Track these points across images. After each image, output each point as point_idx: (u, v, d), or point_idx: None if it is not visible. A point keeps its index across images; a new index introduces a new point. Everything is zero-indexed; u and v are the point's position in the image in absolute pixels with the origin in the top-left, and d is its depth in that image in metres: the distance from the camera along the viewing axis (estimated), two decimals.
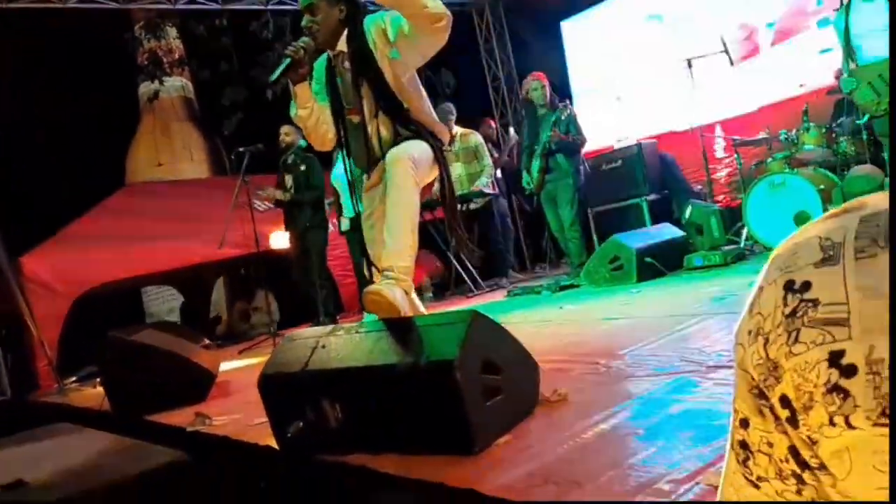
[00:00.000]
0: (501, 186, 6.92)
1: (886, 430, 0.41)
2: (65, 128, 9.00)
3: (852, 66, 3.94)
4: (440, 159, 2.76)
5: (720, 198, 5.84)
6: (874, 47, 3.81)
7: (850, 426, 0.43)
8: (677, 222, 5.90)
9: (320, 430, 2.04)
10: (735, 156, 5.65)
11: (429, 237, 7.64)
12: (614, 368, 2.54)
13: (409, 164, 2.55)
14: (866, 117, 4.00)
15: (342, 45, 2.66)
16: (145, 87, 10.09)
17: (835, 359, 0.43)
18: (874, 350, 0.41)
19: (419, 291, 7.21)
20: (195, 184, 9.32)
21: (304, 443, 2.06)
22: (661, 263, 4.95)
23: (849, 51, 3.89)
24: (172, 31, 10.05)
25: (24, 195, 8.04)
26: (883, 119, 3.83)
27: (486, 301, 5.88)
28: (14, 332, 5.95)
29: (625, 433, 1.88)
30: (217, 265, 7.90)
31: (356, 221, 5.38)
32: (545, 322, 3.99)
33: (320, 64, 2.79)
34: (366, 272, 2.86)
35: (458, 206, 6.60)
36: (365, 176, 2.89)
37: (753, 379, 0.49)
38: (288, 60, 2.53)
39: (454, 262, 6.90)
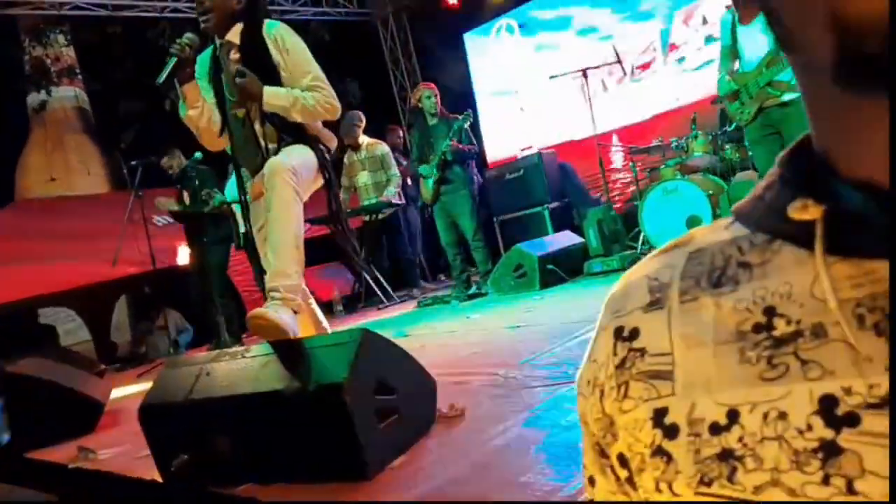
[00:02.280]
0: (410, 195, 6.92)
1: (709, 499, 0.37)
2: None
3: (734, 66, 4.14)
4: (325, 165, 2.68)
5: (617, 205, 6.04)
6: (750, 54, 4.02)
7: (673, 493, 0.39)
8: (577, 229, 6.08)
9: (207, 462, 1.97)
10: (630, 164, 5.87)
11: (338, 249, 7.55)
12: (512, 379, 2.58)
13: (289, 175, 2.45)
14: (733, 125, 4.23)
15: (233, 35, 2.58)
16: (33, 98, 9.52)
17: (658, 417, 0.40)
18: (695, 408, 0.38)
19: (329, 306, 7.13)
20: (92, 200, 8.86)
21: (191, 475, 1.98)
22: (562, 270, 5.09)
23: (732, 51, 4.09)
24: (61, 38, 9.53)
25: None
26: (751, 127, 4.05)
27: (396, 313, 5.86)
28: None
29: (519, 448, 1.90)
30: (117, 284, 7.54)
31: (248, 235, 5.28)
32: (451, 332, 4.01)
33: (204, 56, 2.67)
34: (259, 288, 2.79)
35: (369, 216, 6.63)
36: (249, 183, 2.79)
37: (594, 434, 0.45)
38: (174, 59, 2.43)
39: (365, 274, 6.85)
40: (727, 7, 4.21)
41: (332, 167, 2.77)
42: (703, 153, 5.34)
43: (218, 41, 2.60)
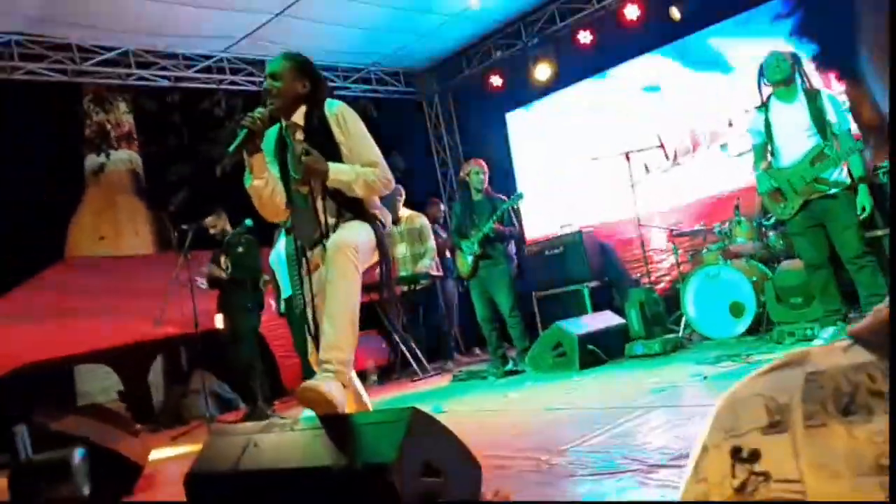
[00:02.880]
0: (448, 267, 6.97)
1: None
2: (5, 198, 8.77)
3: (763, 165, 4.17)
4: (382, 242, 2.75)
5: (658, 286, 6.00)
6: (789, 151, 4.05)
7: None
8: (617, 310, 6.03)
9: None
10: (672, 246, 5.86)
11: (375, 319, 7.61)
12: (557, 466, 2.53)
13: (351, 251, 2.53)
14: (773, 219, 4.23)
15: (298, 117, 2.70)
16: (91, 160, 9.95)
17: None
18: None
19: (363, 376, 7.12)
20: (138, 259, 9.10)
21: None
22: (602, 351, 5.04)
23: (766, 148, 4.13)
24: (122, 106, 10.02)
25: None
26: (794, 220, 4.05)
27: (431, 386, 5.83)
28: None
29: None
30: (156, 344, 7.66)
31: (290, 302, 5.36)
32: (489, 411, 3.97)
33: (271, 133, 2.78)
34: (310, 357, 2.83)
35: (406, 287, 6.69)
36: (309, 254, 2.83)
37: None
38: (245, 131, 2.53)
39: (400, 344, 6.85)
40: (756, 107, 4.27)
41: (385, 242, 2.84)
42: (746, 239, 5.33)
43: (284, 122, 2.73)
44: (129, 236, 9.88)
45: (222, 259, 5.80)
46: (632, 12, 6.98)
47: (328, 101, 2.75)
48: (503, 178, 7.37)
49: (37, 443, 3.59)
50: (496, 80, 8.32)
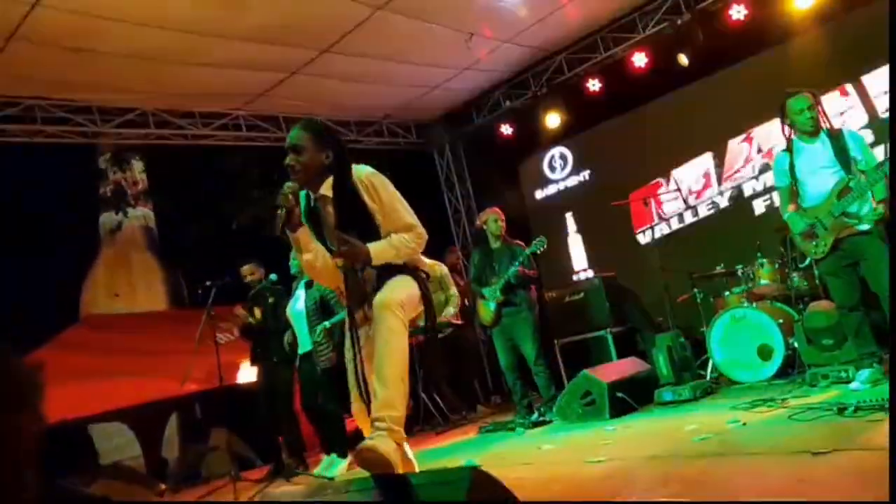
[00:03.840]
0: (469, 315, 6.95)
1: None
2: (20, 259, 8.84)
3: (791, 207, 4.17)
4: (426, 293, 2.78)
5: (682, 331, 5.95)
6: (816, 190, 4.06)
7: None
8: (642, 355, 6.00)
9: None
10: (695, 290, 5.85)
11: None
12: None
13: (398, 310, 2.56)
14: (808, 259, 4.21)
15: (325, 188, 2.72)
16: (107, 218, 10.05)
17: None
18: None
19: None
20: (153, 316, 9.10)
21: None
22: (631, 398, 4.98)
23: (793, 190, 4.14)
24: (139, 164, 10.17)
25: None
26: (827, 260, 4.04)
27: (457, 438, 5.75)
28: None
29: None
30: (171, 402, 7.60)
31: (307, 357, 5.32)
32: (526, 465, 3.91)
33: (300, 201, 2.81)
34: (354, 408, 2.82)
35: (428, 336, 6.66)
36: (356, 311, 2.84)
37: None
38: (284, 211, 2.57)
39: (422, 394, 6.79)
40: (782, 150, 4.29)
41: (430, 292, 2.85)
42: (769, 281, 5.33)
43: (312, 195, 2.77)
44: (143, 292, 9.91)
45: (254, 310, 5.80)
46: (639, 60, 7.12)
47: (355, 167, 2.77)
48: (517, 225, 7.40)
49: None
50: (506, 130, 8.44)
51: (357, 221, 2.67)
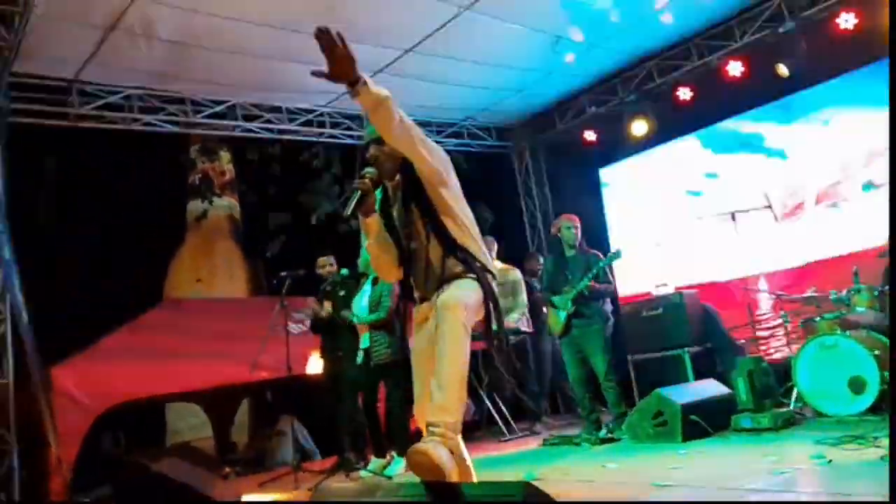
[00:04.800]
0: (543, 324, 6.77)
1: None
2: (109, 241, 9.27)
3: None
4: (491, 297, 2.67)
5: (766, 355, 5.64)
6: None
7: None
8: (721, 377, 5.70)
9: None
10: (781, 313, 5.52)
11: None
12: None
13: (461, 311, 2.47)
14: None
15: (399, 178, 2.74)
16: (194, 206, 10.44)
17: None
18: None
19: None
20: (232, 303, 9.36)
21: None
22: (706, 422, 4.73)
23: None
24: (226, 156, 10.52)
25: (63, 305, 8.14)
26: None
27: (519, 448, 5.63)
28: (32, 446, 5.80)
29: None
30: (244, 387, 7.79)
31: (368, 352, 5.32)
32: (587, 482, 3.76)
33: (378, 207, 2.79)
34: (416, 410, 2.76)
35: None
36: (415, 309, 2.81)
37: None
38: (358, 193, 2.58)
39: (486, 401, 6.69)
40: None
41: (495, 294, 2.76)
42: (866, 308, 4.96)
43: (389, 184, 2.77)
44: (224, 280, 10.21)
45: (326, 304, 5.87)
46: (735, 69, 6.81)
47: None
48: (596, 233, 7.20)
49: (132, 482, 3.66)
50: (590, 136, 8.25)
51: (419, 206, 2.66)
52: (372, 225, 2.68)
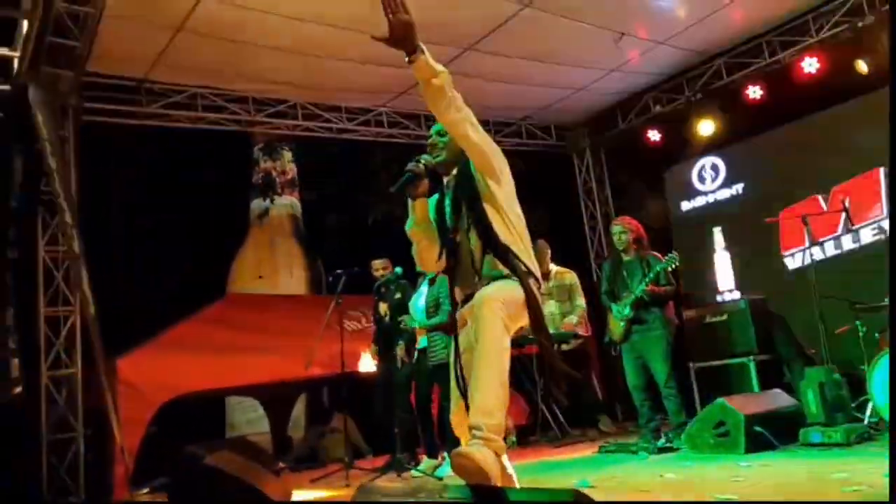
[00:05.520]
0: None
1: None
2: (175, 237, 9.56)
3: None
4: (533, 302, 2.57)
5: (837, 366, 5.32)
6: None
7: None
8: (788, 388, 5.43)
9: None
10: (856, 322, 5.22)
11: (515, 375, 7.38)
12: None
13: (498, 307, 2.38)
14: None
15: (456, 171, 2.73)
16: (256, 204, 10.67)
17: None
18: None
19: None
20: (292, 300, 9.51)
21: None
22: (772, 434, 4.50)
23: None
24: (288, 155, 10.71)
25: (129, 298, 8.42)
26: None
27: (574, 454, 5.50)
28: (98, 433, 6.00)
29: None
30: (301, 383, 7.89)
31: (424, 353, 5.28)
32: (644, 492, 3.62)
33: (433, 199, 2.80)
34: (452, 418, 2.76)
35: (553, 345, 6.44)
36: (458, 313, 2.76)
37: None
38: (409, 174, 2.58)
39: (541, 405, 6.57)
40: None
41: (538, 298, 2.67)
42: None
43: (445, 178, 2.76)
44: (284, 277, 10.39)
45: (382, 306, 5.89)
46: (810, 65, 6.50)
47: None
48: (659, 237, 6.98)
49: (186, 474, 3.70)
50: (654, 135, 8.03)
51: (470, 196, 2.63)
52: (418, 208, 2.66)
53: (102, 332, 5.95)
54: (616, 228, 5.53)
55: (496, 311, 2.37)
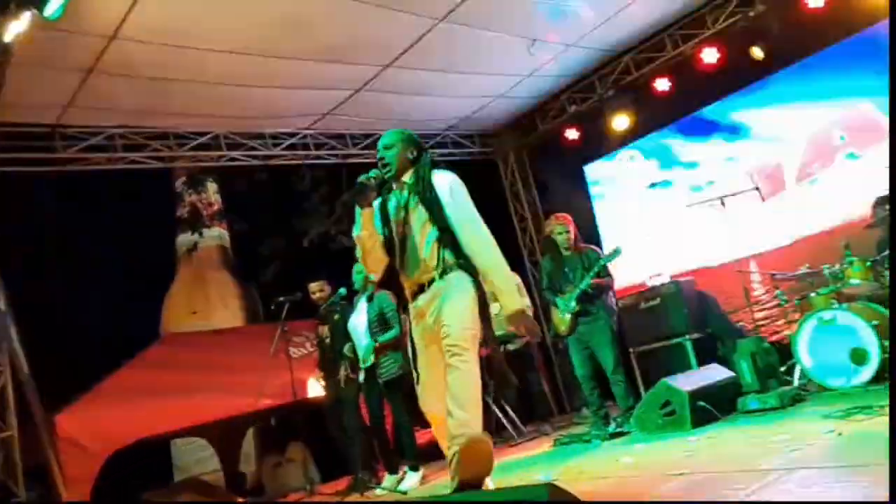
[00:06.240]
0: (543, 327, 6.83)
1: None
2: (101, 281, 9.25)
3: None
4: (483, 301, 2.88)
5: (766, 335, 5.68)
6: None
7: None
8: (723, 361, 5.73)
9: None
10: (776, 292, 5.57)
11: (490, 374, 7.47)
12: None
13: (471, 349, 2.71)
14: None
15: (407, 177, 3.06)
16: (184, 239, 10.42)
17: None
18: None
19: None
20: (230, 333, 9.34)
21: None
22: (714, 407, 4.76)
23: None
24: (213, 186, 10.52)
25: (61, 350, 8.10)
26: None
27: (532, 451, 5.63)
28: (43, 495, 5.76)
29: None
30: (249, 417, 7.77)
31: (371, 371, 5.33)
32: (605, 478, 3.77)
33: (376, 203, 3.08)
34: (422, 406, 3.01)
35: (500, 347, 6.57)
36: (411, 306, 3.01)
37: None
38: (359, 185, 2.93)
39: (493, 406, 6.69)
40: None
41: (489, 310, 2.89)
42: (861, 280, 5.01)
43: (394, 184, 3.09)
44: (219, 310, 10.19)
45: (322, 329, 5.87)
46: (710, 55, 6.88)
47: (442, 170, 3.09)
48: (586, 229, 7.24)
49: None
50: (572, 134, 8.31)
51: (430, 207, 2.93)
52: (365, 215, 2.97)
53: (37, 387, 5.74)
54: (558, 227, 5.70)
55: (468, 353, 2.68)
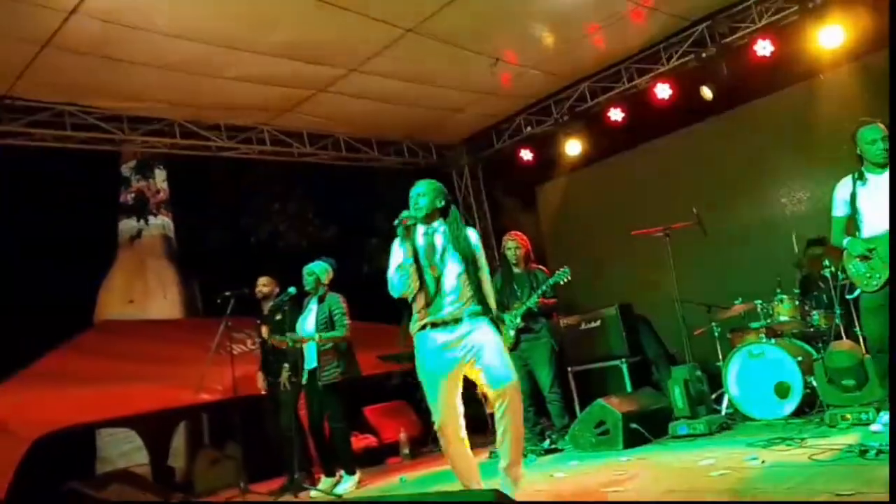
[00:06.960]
0: None
1: None
2: (36, 262, 8.91)
3: (846, 240, 3.99)
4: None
5: (697, 363, 5.90)
6: (876, 223, 3.85)
7: None
8: (656, 385, 5.95)
9: None
10: (712, 323, 5.82)
11: (405, 390, 7.54)
12: None
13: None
14: (857, 291, 4.01)
15: (436, 223, 3.56)
16: (127, 225, 10.09)
17: None
18: None
19: (395, 449, 6.99)
20: (168, 324, 9.13)
21: None
22: (646, 429, 4.94)
23: (850, 221, 4.00)
24: (161, 174, 10.25)
25: None
26: (875, 296, 3.85)
27: None
28: None
29: None
30: (181, 410, 7.61)
31: (314, 374, 5.33)
32: (537, 491, 3.88)
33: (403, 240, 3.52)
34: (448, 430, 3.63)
35: None
36: (430, 334, 3.42)
37: None
38: (402, 228, 3.42)
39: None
40: (855, 178, 3.96)
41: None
42: (789, 317, 5.31)
43: (425, 225, 3.56)
44: (157, 300, 9.92)
45: (262, 329, 5.82)
46: (662, 91, 7.14)
47: (469, 227, 3.64)
48: (534, 250, 7.40)
49: None
50: (526, 155, 8.46)
51: (461, 245, 3.46)
52: (409, 249, 3.45)
53: None
54: (511, 244, 5.84)
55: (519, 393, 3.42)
